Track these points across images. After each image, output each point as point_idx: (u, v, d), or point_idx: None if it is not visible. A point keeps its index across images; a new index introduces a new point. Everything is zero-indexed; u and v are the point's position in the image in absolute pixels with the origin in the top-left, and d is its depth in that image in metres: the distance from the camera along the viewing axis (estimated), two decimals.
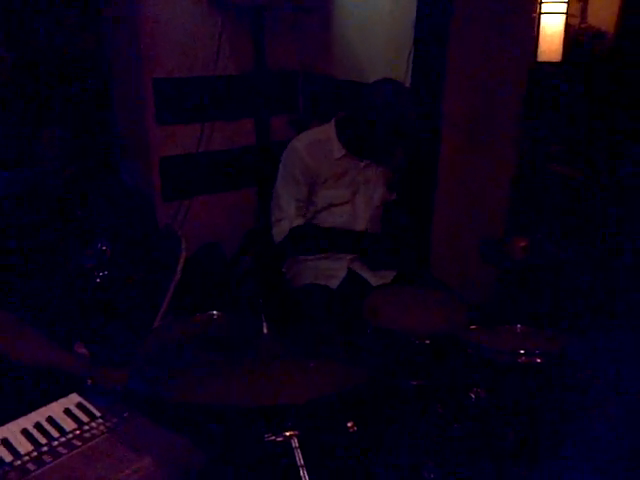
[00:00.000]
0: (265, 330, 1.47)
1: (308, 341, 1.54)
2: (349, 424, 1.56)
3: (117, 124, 3.11)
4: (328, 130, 2.31)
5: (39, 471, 1.28)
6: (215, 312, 1.82)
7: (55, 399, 1.51)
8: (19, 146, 2.72)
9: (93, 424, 1.44)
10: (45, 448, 1.36)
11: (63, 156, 2.13)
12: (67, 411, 1.49)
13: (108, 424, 1.43)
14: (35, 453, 1.34)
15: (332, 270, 2.31)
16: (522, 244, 2.37)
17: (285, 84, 3.25)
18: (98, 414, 1.47)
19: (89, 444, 1.36)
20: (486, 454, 1.50)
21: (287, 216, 2.26)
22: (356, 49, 3.03)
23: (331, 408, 1.44)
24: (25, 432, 1.42)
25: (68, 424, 1.44)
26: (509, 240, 2.45)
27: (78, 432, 1.41)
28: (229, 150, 3.17)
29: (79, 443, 1.36)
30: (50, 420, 1.46)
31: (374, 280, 2.31)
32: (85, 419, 1.46)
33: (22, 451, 1.35)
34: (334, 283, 2.29)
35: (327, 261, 2.33)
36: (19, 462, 1.31)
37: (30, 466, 1.29)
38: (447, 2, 2.65)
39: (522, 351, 1.54)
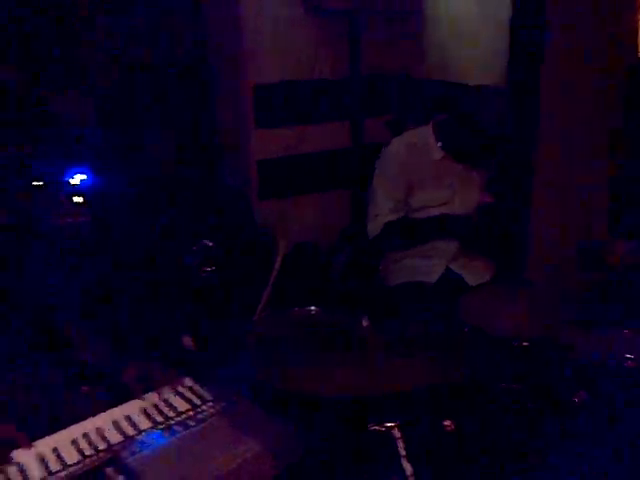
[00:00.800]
0: (365, 323, 1.51)
1: (406, 336, 1.56)
2: (446, 423, 1.57)
3: (218, 127, 3.25)
4: (426, 132, 2.32)
5: (157, 446, 1.37)
6: (313, 307, 1.88)
7: None
8: (128, 149, 2.91)
9: (204, 407, 1.52)
10: (162, 426, 1.46)
11: (168, 158, 2.25)
12: (180, 394, 1.59)
13: (218, 407, 1.51)
14: (154, 429, 1.44)
15: (430, 267, 2.32)
16: (622, 249, 2.30)
17: (379, 87, 3.29)
18: (209, 397, 1.56)
19: (202, 425, 1.44)
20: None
21: (382, 213, 2.30)
22: (451, 51, 3.03)
23: (429, 402, 1.45)
24: (144, 411, 1.53)
25: (182, 405, 1.54)
26: (608, 244, 2.37)
27: (191, 413, 1.50)
28: (324, 152, 3.24)
29: (193, 423, 1.45)
30: (166, 401, 1.56)
31: (471, 279, 2.30)
32: (197, 401, 1.55)
33: (142, 427, 1.46)
34: (432, 278, 2.30)
35: (424, 259, 2.34)
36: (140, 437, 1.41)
37: None
38: (542, 2, 2.60)
39: (629, 355, 1.50)
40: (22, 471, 1.34)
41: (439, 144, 2.27)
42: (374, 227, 2.36)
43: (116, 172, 2.70)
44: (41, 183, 2.65)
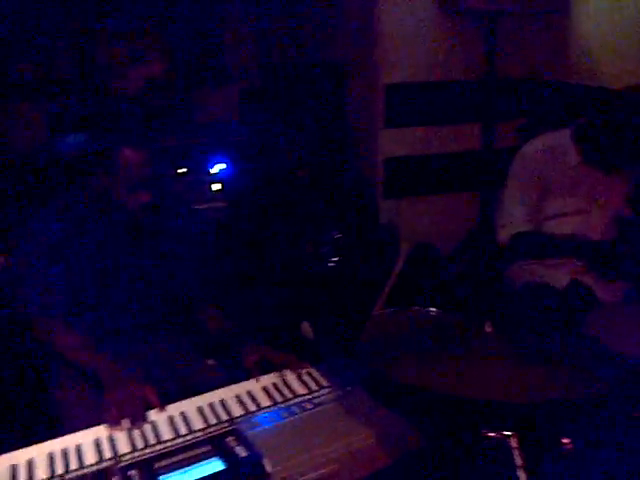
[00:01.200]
0: (488, 329, 1.48)
1: (532, 343, 1.51)
2: (565, 440, 1.50)
3: (348, 125, 3.30)
4: (563, 136, 2.22)
5: (274, 423, 1.44)
6: (433, 308, 1.87)
7: None
8: (265, 143, 3.03)
9: (321, 392, 1.58)
10: (280, 405, 1.53)
11: (301, 153, 2.31)
12: (299, 378, 1.65)
13: (334, 394, 1.56)
14: (273, 408, 1.51)
15: (558, 275, 2.22)
16: None
17: (514, 90, 3.19)
18: (326, 384, 1.61)
19: (318, 408, 1.49)
20: None
21: (513, 221, 2.22)
22: (596, 53, 2.87)
23: (550, 416, 1.41)
24: (265, 389, 1.61)
25: (300, 389, 1.60)
26: None
27: (309, 397, 1.55)
28: (453, 153, 3.20)
29: (310, 406, 1.51)
30: (285, 383, 1.63)
31: (601, 293, 2.17)
32: (314, 387, 1.61)
33: (262, 404, 1.54)
34: (560, 284, 2.19)
35: (552, 268, 2.25)
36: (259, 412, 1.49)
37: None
38: None
39: None
40: (155, 429, 1.46)
41: (578, 149, 2.16)
42: (504, 235, 2.28)
43: (253, 164, 2.84)
44: (185, 170, 2.86)
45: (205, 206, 2.72)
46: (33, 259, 1.76)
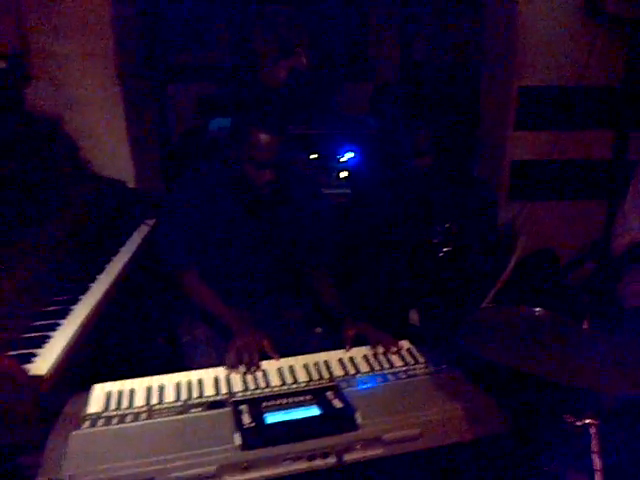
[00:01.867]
0: (585, 326, 1.51)
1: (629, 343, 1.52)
2: None
3: (479, 125, 3.32)
4: None
5: (369, 386, 1.57)
6: (539, 309, 1.89)
7: None
8: (392, 136, 3.14)
9: (416, 366, 1.68)
10: (377, 372, 1.65)
11: (428, 148, 2.38)
12: (398, 353, 1.77)
13: (428, 370, 1.65)
14: (371, 373, 1.64)
15: None
16: None
17: None
18: (422, 360, 1.71)
19: (411, 379, 1.60)
20: None
21: (629, 230, 2.18)
22: None
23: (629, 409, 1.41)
24: (365, 357, 1.74)
25: (397, 361, 1.72)
26: None
27: (404, 369, 1.66)
28: (582, 160, 3.12)
29: (404, 376, 1.62)
30: (384, 355, 1.75)
31: None
32: (411, 361, 1.71)
33: (361, 369, 1.67)
34: None
35: None
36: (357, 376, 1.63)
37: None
38: None
39: None
40: (265, 376, 1.64)
41: None
42: (619, 244, 2.24)
43: (378, 155, 2.97)
44: (316, 156, 3.05)
45: (332, 191, 2.88)
46: (176, 222, 2.01)
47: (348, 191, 2.93)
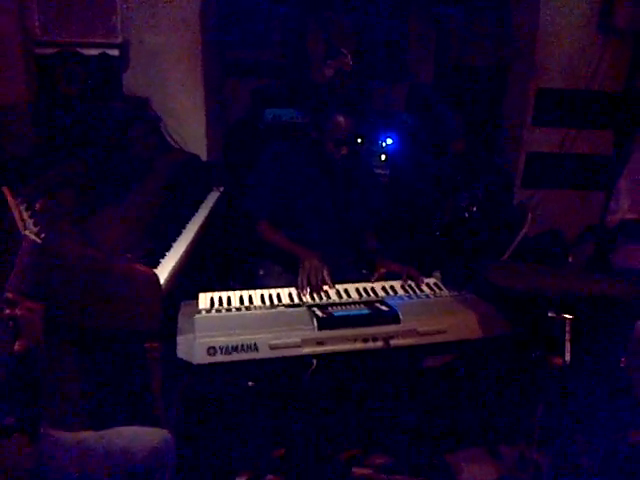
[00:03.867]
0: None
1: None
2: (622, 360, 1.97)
3: (503, 118, 3.80)
4: None
5: (406, 301, 2.07)
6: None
7: None
8: (426, 127, 3.65)
9: (442, 292, 2.18)
10: (410, 294, 2.16)
11: (460, 132, 2.88)
12: (427, 285, 2.27)
13: (452, 294, 2.15)
14: (406, 295, 2.15)
15: None
16: None
17: None
18: (446, 290, 2.21)
19: (439, 298, 2.11)
20: None
21: (621, 208, 2.62)
22: None
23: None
24: (402, 286, 2.25)
25: (426, 289, 2.22)
26: None
27: (432, 293, 2.17)
28: (586, 155, 3.58)
29: (432, 297, 2.12)
30: (417, 285, 2.25)
31: None
32: (437, 290, 2.21)
33: (398, 292, 2.18)
34: None
35: None
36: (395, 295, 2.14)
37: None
38: None
39: None
40: (327, 294, 2.15)
41: None
42: (612, 219, 2.69)
43: (414, 143, 3.47)
44: (360, 140, 3.56)
45: (374, 171, 3.39)
46: (261, 179, 2.53)
47: (387, 172, 3.44)
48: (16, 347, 1.26)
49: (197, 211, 2.99)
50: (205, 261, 2.68)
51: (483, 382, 2.28)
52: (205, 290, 2.17)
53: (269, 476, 2.26)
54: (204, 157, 3.53)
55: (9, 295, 1.29)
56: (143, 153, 2.97)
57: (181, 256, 2.42)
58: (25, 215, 1.61)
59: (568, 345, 1.67)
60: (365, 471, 2.33)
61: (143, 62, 3.31)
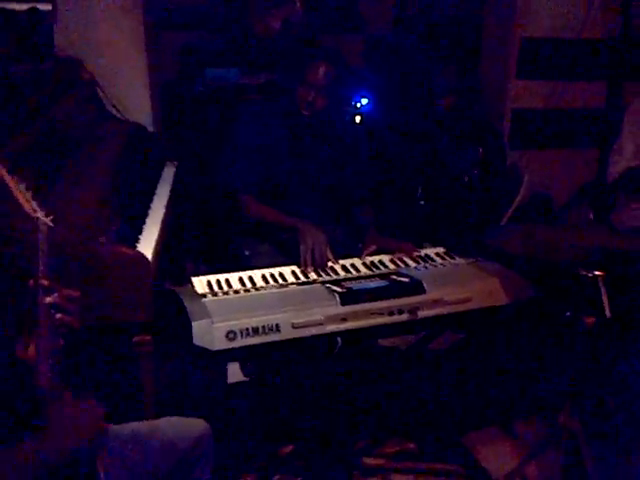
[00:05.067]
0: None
1: None
2: None
3: (479, 72, 4.12)
4: None
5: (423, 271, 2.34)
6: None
7: None
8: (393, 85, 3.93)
9: (455, 260, 2.47)
10: (422, 264, 2.43)
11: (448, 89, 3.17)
12: (437, 254, 2.55)
13: (467, 261, 2.44)
14: (419, 265, 2.42)
15: None
16: None
17: None
18: (458, 258, 2.50)
19: (456, 266, 2.39)
20: None
21: (625, 157, 2.96)
22: None
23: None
24: (413, 258, 2.51)
25: (438, 260, 2.50)
26: None
27: (445, 262, 2.45)
28: (578, 109, 3.97)
29: (449, 264, 2.41)
30: (427, 256, 2.52)
31: None
32: (448, 259, 2.50)
33: (410, 264, 2.45)
34: None
35: None
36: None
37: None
38: None
39: None
40: (334, 270, 2.38)
41: None
42: (615, 170, 3.03)
43: (393, 102, 3.74)
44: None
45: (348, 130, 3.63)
46: (238, 148, 2.72)
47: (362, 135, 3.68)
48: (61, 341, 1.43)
49: (156, 189, 3.13)
50: (182, 244, 2.85)
51: (504, 354, 2.60)
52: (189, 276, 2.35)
53: (276, 476, 2.50)
54: (150, 127, 3.66)
55: (44, 282, 1.44)
56: (81, 123, 3.09)
57: (156, 239, 2.58)
58: (28, 196, 1.75)
59: (606, 300, 1.98)
60: (376, 461, 2.60)
61: (75, 18, 3.39)
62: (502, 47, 3.95)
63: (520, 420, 2.79)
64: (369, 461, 2.59)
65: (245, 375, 2.66)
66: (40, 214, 1.60)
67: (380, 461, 2.60)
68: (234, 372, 2.69)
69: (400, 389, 2.73)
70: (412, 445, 2.67)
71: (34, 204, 1.71)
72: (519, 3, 3.77)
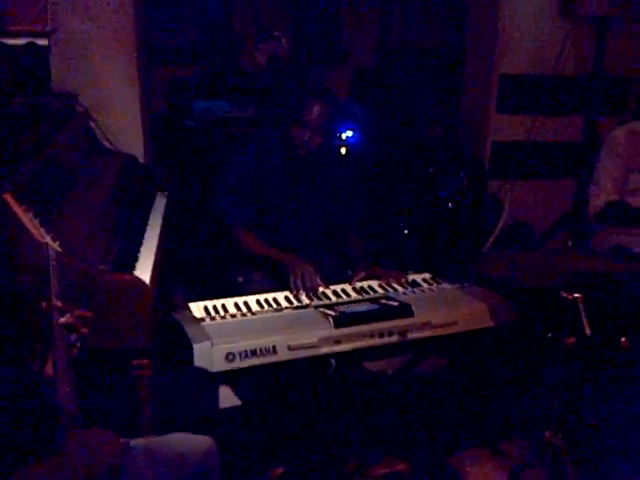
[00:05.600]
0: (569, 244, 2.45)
1: None
2: (622, 339, 2.44)
3: (460, 106, 4.30)
4: None
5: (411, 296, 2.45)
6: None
7: None
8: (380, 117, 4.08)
9: (442, 285, 2.58)
10: (409, 289, 2.54)
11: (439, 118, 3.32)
12: (424, 279, 2.66)
13: (453, 286, 2.55)
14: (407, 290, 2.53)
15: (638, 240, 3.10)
16: None
17: (618, 88, 4.10)
18: (445, 283, 2.61)
19: (443, 291, 2.50)
20: None
21: (604, 191, 3.13)
22: None
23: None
24: (398, 283, 2.62)
25: (424, 284, 2.61)
26: None
27: (430, 287, 2.56)
28: (555, 142, 4.14)
29: (436, 289, 2.52)
30: (414, 281, 2.63)
31: None
32: (435, 284, 2.61)
33: (398, 289, 2.55)
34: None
35: (634, 236, 3.14)
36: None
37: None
38: None
39: None
40: (325, 295, 2.48)
41: None
42: (597, 203, 3.19)
43: (378, 133, 3.89)
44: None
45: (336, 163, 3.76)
46: (233, 182, 2.83)
47: (349, 167, 3.82)
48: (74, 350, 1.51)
49: (149, 218, 3.22)
50: (177, 271, 2.93)
51: (489, 375, 2.70)
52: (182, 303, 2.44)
53: None
54: (141, 159, 3.76)
55: (58, 304, 1.53)
56: (76, 155, 3.18)
57: (152, 266, 2.66)
58: (36, 222, 1.84)
59: (585, 320, 2.09)
60: None
61: (70, 53, 3.50)
62: (483, 82, 4.12)
63: (506, 440, 2.89)
64: None
65: (238, 399, 2.75)
66: (48, 240, 1.70)
67: None
68: (227, 396, 2.78)
69: (389, 413, 2.81)
70: (402, 466, 2.74)
71: (42, 231, 1.81)
72: (498, 41, 3.95)
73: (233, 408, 2.71)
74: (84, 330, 1.54)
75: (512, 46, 3.92)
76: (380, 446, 2.76)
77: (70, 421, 1.37)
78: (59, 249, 1.68)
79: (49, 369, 1.42)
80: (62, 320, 1.51)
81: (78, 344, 1.55)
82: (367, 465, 2.72)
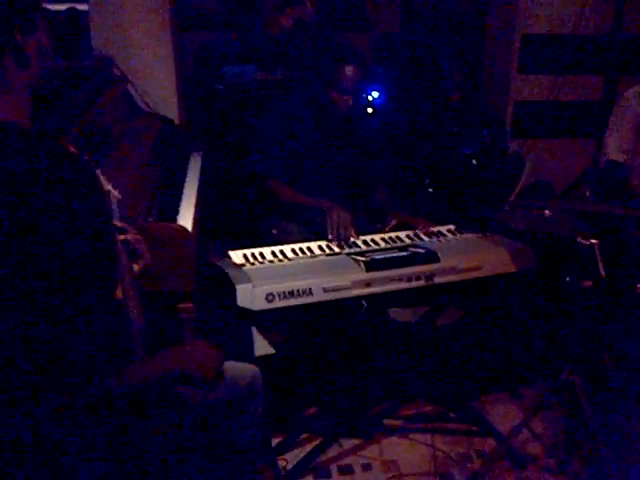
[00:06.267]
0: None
1: None
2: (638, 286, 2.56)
3: (483, 67, 4.38)
4: None
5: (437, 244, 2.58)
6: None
7: None
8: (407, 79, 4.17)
9: (465, 235, 2.71)
10: (435, 239, 2.67)
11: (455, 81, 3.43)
12: (448, 230, 2.79)
13: (476, 235, 2.68)
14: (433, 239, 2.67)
15: None
16: None
17: (638, 47, 4.15)
18: (467, 232, 2.74)
19: (466, 239, 2.64)
20: None
21: (608, 151, 3.13)
22: None
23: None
24: (426, 233, 2.75)
25: (449, 235, 2.74)
26: None
27: (457, 236, 2.70)
28: (576, 102, 4.22)
29: (459, 237, 2.66)
30: (439, 231, 2.77)
31: None
32: (459, 235, 2.74)
33: (425, 239, 2.69)
34: None
35: None
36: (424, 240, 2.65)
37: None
38: None
39: None
40: (356, 244, 2.63)
41: None
42: (601, 160, 3.28)
43: (403, 95, 4.00)
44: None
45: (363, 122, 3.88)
46: (268, 138, 2.97)
47: (375, 124, 3.93)
48: (135, 268, 1.69)
49: (186, 175, 3.38)
50: (214, 224, 3.10)
51: (510, 322, 2.85)
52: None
53: (302, 435, 2.74)
54: (176, 121, 3.90)
55: (118, 223, 1.71)
56: (117, 117, 3.33)
57: (193, 219, 2.83)
58: (98, 172, 2.00)
59: (601, 264, 2.23)
60: (396, 422, 2.84)
61: (107, 18, 3.63)
62: (504, 43, 4.20)
63: (525, 385, 3.04)
64: (390, 422, 2.84)
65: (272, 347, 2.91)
66: (110, 188, 1.86)
67: (400, 422, 2.85)
68: (262, 345, 2.95)
69: (415, 359, 2.97)
70: (429, 408, 2.91)
71: (102, 179, 1.97)
72: (520, 2, 4.02)
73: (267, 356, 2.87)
74: (141, 247, 1.72)
75: (533, 7, 3.99)
76: (410, 388, 2.93)
77: (142, 337, 1.54)
78: (119, 196, 1.82)
79: (119, 293, 1.58)
80: (122, 237, 1.69)
81: (139, 263, 1.73)
82: (397, 406, 2.90)
